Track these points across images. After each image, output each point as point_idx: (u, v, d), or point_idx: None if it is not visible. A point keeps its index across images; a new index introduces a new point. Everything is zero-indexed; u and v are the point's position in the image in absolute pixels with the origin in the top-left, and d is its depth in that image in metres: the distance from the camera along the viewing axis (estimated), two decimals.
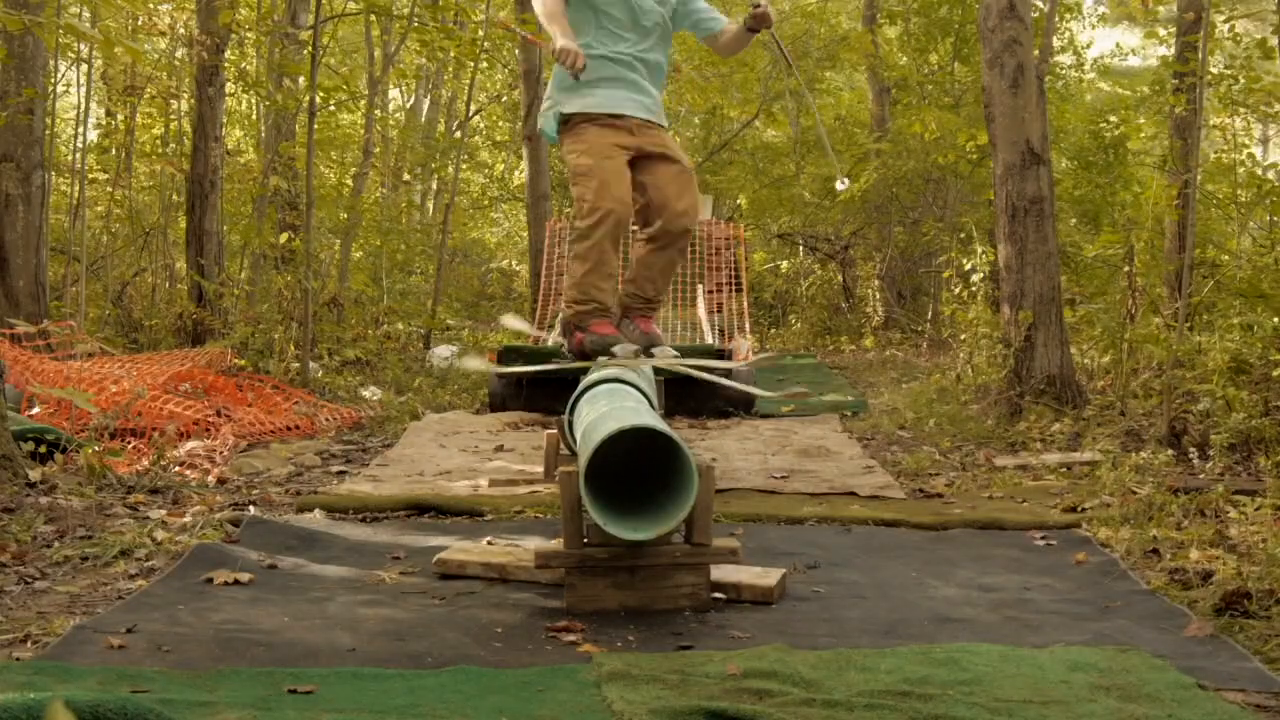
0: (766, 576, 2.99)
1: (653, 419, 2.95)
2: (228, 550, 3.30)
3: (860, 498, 4.31)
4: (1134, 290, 7.16)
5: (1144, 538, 3.46)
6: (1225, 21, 7.68)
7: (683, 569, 2.85)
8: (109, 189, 10.62)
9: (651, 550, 2.83)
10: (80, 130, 9.40)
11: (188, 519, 3.71)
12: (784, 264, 16.08)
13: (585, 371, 4.07)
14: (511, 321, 5.41)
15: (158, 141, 12.17)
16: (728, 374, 4.41)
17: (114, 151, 11.28)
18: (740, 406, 6.71)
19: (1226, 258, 8.19)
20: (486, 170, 18.86)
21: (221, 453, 4.98)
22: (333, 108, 10.98)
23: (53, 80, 8.77)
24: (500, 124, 17.72)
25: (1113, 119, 11.99)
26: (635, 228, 4.45)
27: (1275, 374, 4.94)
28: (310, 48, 7.98)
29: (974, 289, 7.76)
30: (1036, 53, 6.33)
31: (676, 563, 2.85)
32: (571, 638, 2.61)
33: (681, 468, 2.77)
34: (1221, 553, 3.24)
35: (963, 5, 12.89)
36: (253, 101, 13.01)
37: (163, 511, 3.85)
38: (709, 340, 7.87)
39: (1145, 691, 2.21)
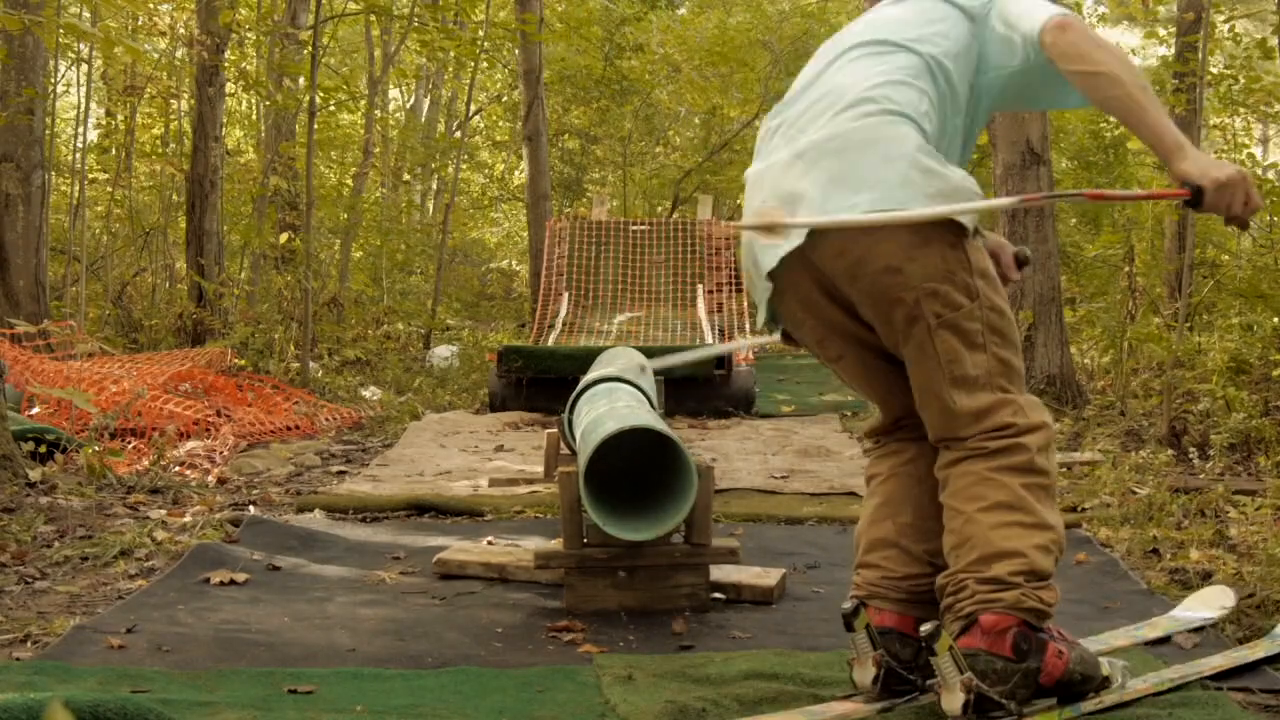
0: (766, 576, 2.99)
1: (652, 419, 2.95)
2: (228, 550, 3.30)
3: (860, 498, 4.30)
4: (1134, 290, 7.17)
5: (1144, 538, 3.45)
6: (1225, 21, 7.67)
7: (682, 569, 2.85)
8: (109, 189, 10.62)
9: (651, 550, 2.83)
10: (80, 130, 9.41)
11: (188, 519, 3.72)
12: None
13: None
14: None
15: (158, 141, 12.17)
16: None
17: (114, 151, 11.28)
18: (740, 406, 6.71)
19: (1226, 258, 8.19)
20: (486, 170, 18.86)
21: (221, 453, 4.98)
22: (333, 108, 10.98)
23: (53, 80, 8.78)
24: (500, 124, 17.72)
25: (1113, 119, 11.98)
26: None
27: (1275, 374, 4.94)
28: (310, 48, 7.98)
29: None
30: None
31: (676, 563, 2.85)
32: (571, 638, 2.61)
33: (681, 468, 2.77)
34: (1221, 553, 3.23)
35: None
36: (253, 101, 13.02)
37: (163, 511, 3.85)
38: (709, 340, 7.86)
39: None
